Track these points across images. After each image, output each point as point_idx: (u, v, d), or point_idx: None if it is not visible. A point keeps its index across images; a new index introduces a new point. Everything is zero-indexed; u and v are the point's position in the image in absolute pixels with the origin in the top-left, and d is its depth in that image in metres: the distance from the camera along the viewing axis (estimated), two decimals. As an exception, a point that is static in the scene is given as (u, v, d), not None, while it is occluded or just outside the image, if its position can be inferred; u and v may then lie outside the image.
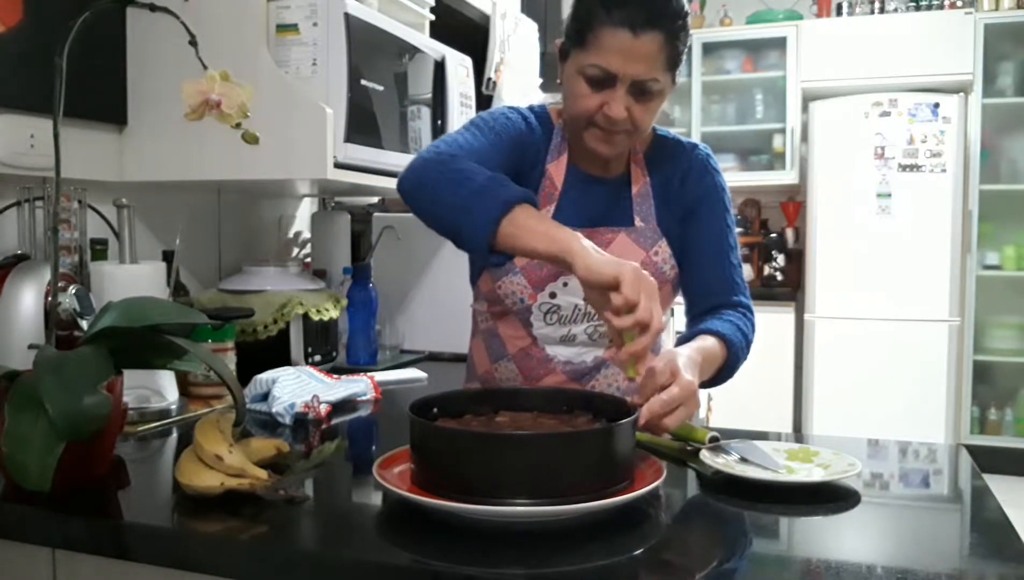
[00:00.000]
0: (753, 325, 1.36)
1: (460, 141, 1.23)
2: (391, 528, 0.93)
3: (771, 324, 3.92)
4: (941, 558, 0.87)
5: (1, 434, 0.95)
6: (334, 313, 1.83)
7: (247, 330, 1.71)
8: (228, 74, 1.13)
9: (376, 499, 1.01)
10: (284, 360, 1.73)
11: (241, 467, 0.96)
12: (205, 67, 1.12)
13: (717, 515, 0.99)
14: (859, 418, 4.24)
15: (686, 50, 1.24)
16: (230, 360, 1.58)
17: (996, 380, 4.48)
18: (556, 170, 1.34)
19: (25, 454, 0.93)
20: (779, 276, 4.75)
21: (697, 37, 4.69)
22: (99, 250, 1.51)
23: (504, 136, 1.29)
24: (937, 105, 4.24)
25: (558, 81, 1.30)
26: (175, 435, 1.33)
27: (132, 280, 1.36)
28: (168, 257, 1.59)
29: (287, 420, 1.38)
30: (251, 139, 1.16)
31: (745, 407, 3.56)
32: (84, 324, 1.26)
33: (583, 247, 1.04)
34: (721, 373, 1.30)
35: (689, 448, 1.15)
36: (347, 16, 1.54)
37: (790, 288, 4.70)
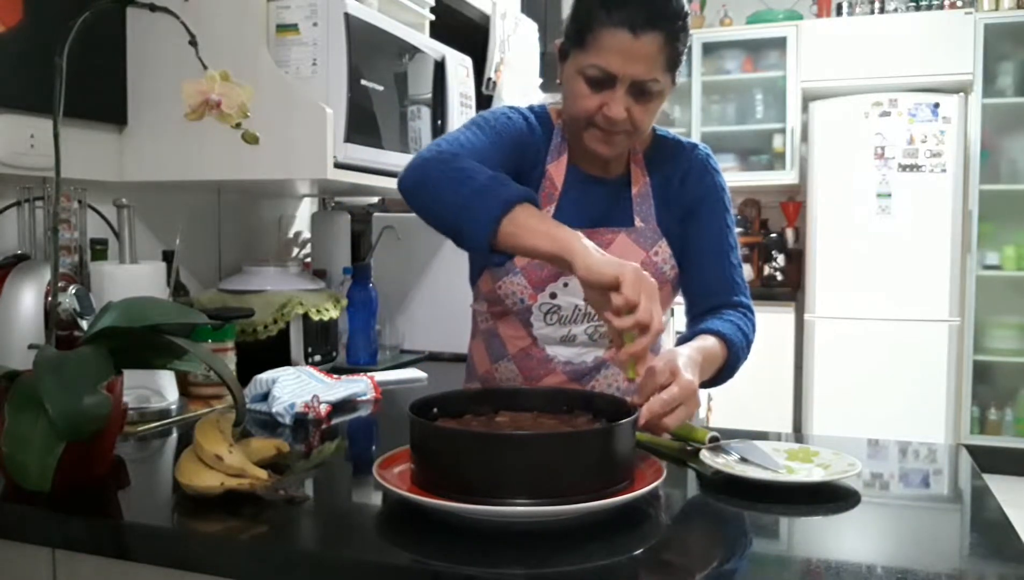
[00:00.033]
0: (753, 325, 1.36)
1: (462, 140, 1.23)
2: (391, 528, 0.93)
3: (771, 324, 3.91)
4: (941, 558, 0.87)
5: (1, 434, 0.95)
6: (334, 313, 1.83)
7: (247, 330, 1.71)
8: (228, 74, 1.13)
9: (376, 499, 1.01)
10: (284, 360, 1.73)
11: (241, 467, 0.96)
12: (205, 67, 1.12)
13: (717, 515, 0.99)
14: (859, 418, 4.24)
15: (686, 50, 1.24)
16: (230, 360, 1.58)
17: (996, 380, 4.48)
18: (556, 170, 1.34)
19: (25, 454, 0.93)
20: (779, 276, 4.75)
21: (697, 37, 4.69)
22: (99, 250, 1.51)
23: (505, 135, 1.29)
24: (937, 105, 4.24)
25: (558, 81, 1.30)
26: (175, 435, 1.33)
27: (132, 280, 1.36)
28: (168, 257, 1.59)
29: (287, 420, 1.38)
30: (251, 139, 1.16)
31: (745, 407, 3.56)
32: (84, 324, 1.26)
33: (584, 247, 1.04)
34: (721, 373, 1.30)
35: (689, 448, 1.15)
36: (347, 16, 1.54)
37: (790, 288, 4.70)
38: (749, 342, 1.33)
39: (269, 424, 1.39)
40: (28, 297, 1.27)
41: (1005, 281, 4.41)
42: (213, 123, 1.15)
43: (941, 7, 4.44)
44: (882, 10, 4.57)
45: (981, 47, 4.27)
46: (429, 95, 1.86)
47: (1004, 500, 1.02)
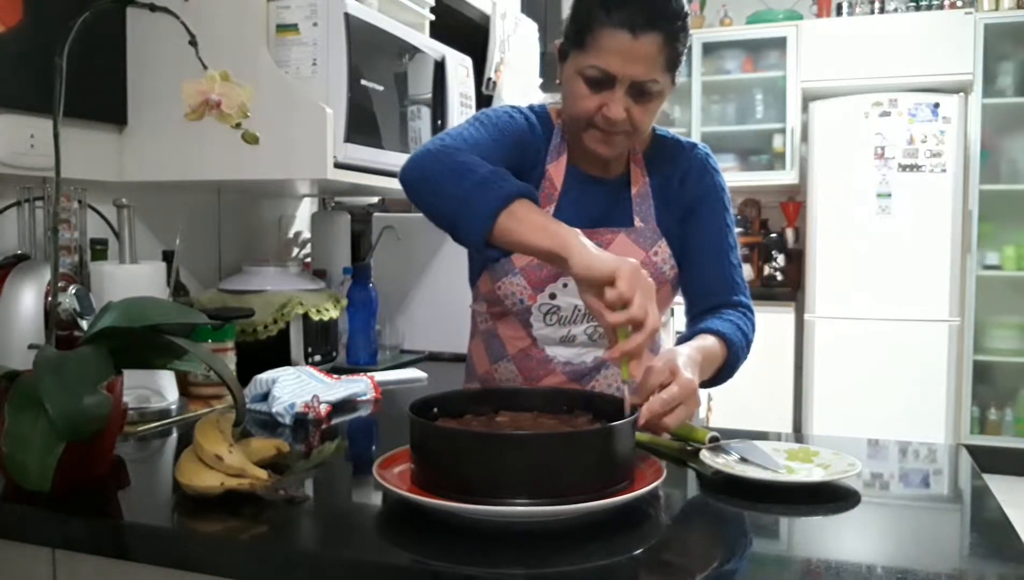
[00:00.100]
0: (753, 324, 1.36)
1: (465, 135, 1.23)
2: (391, 528, 0.93)
3: (771, 324, 3.92)
4: (941, 558, 0.87)
5: (1, 434, 0.95)
6: (334, 313, 1.83)
7: (247, 330, 1.71)
8: (228, 74, 1.13)
9: (376, 499, 1.01)
10: (284, 360, 1.73)
11: (241, 467, 0.96)
12: (205, 67, 1.12)
13: (717, 515, 0.99)
14: (859, 418, 4.24)
15: (686, 51, 1.24)
16: (230, 360, 1.58)
17: (996, 380, 4.48)
18: (556, 171, 1.34)
19: (25, 454, 0.93)
20: (779, 276, 4.75)
21: (697, 37, 4.69)
22: (99, 250, 1.51)
23: (507, 133, 1.29)
24: (937, 105, 4.24)
25: (557, 82, 1.30)
26: (175, 435, 1.33)
27: (132, 280, 1.36)
28: (168, 257, 1.59)
29: (287, 420, 1.38)
30: (251, 139, 1.16)
31: (745, 407, 3.56)
32: (84, 324, 1.26)
33: (581, 243, 1.03)
34: (721, 372, 1.30)
35: (689, 448, 1.15)
36: (347, 16, 1.54)
37: (790, 288, 4.70)
38: (749, 342, 1.33)
39: (269, 424, 1.39)
40: (28, 297, 1.27)
41: (1005, 281, 4.41)
42: (213, 123, 1.15)
43: (941, 7, 4.44)
44: (882, 10, 4.57)
45: (981, 47, 4.27)
46: (429, 95, 1.86)
47: (1004, 500, 1.02)
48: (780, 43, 4.60)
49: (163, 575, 0.90)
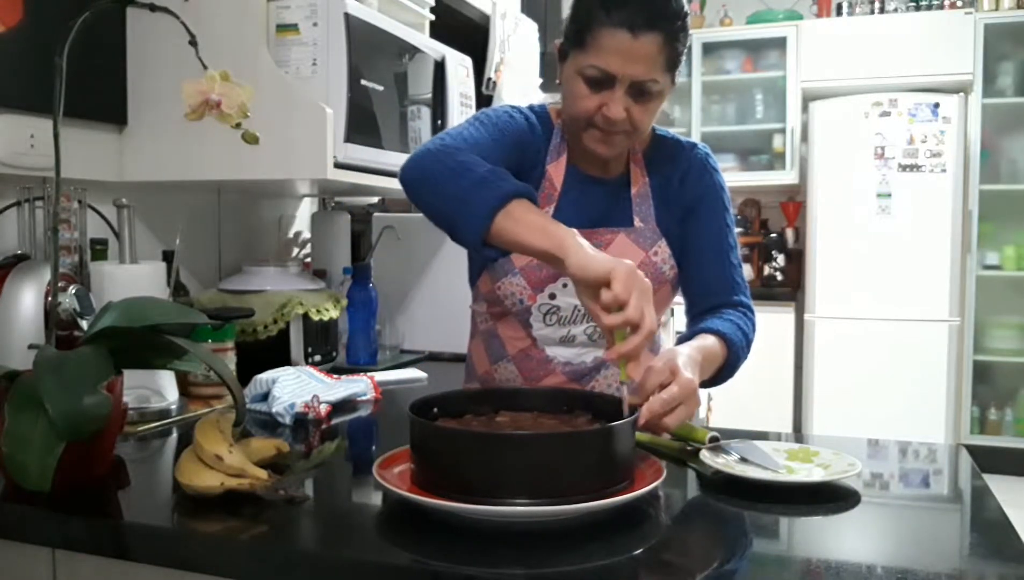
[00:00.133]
0: (754, 324, 1.36)
1: (465, 135, 1.23)
2: (391, 528, 0.93)
3: (771, 324, 3.92)
4: (941, 558, 0.87)
5: (1, 434, 0.95)
6: (334, 313, 1.83)
7: (247, 330, 1.71)
8: (228, 74, 1.13)
9: (376, 499, 1.01)
10: (284, 360, 1.73)
11: (241, 467, 0.96)
12: (205, 67, 1.12)
13: (717, 515, 0.99)
14: (859, 418, 4.24)
15: (685, 50, 1.24)
16: (230, 360, 1.58)
17: (996, 380, 4.48)
18: (555, 171, 1.34)
19: (25, 454, 0.93)
20: (779, 276, 4.75)
21: (697, 37, 4.69)
22: (99, 250, 1.51)
23: (507, 133, 1.29)
24: (937, 105, 4.24)
25: (557, 81, 1.30)
26: (175, 435, 1.33)
27: (132, 280, 1.36)
28: (168, 257, 1.59)
29: (287, 420, 1.38)
30: (251, 139, 1.16)
31: (745, 407, 3.56)
32: (84, 324, 1.26)
33: (577, 244, 1.03)
34: (721, 372, 1.30)
35: (689, 448, 1.15)
36: (347, 16, 1.54)
37: (790, 288, 4.70)
38: (749, 341, 1.33)
39: (269, 424, 1.39)
40: (28, 297, 1.27)
41: (1005, 281, 4.41)
42: (213, 123, 1.15)
43: (941, 7, 4.44)
44: (882, 10, 4.57)
45: (981, 47, 4.27)
46: (429, 95, 1.86)
47: (1004, 500, 1.02)
48: (780, 43, 4.60)
49: (163, 575, 0.90)
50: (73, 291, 1.28)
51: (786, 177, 4.64)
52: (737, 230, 1.43)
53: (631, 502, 0.90)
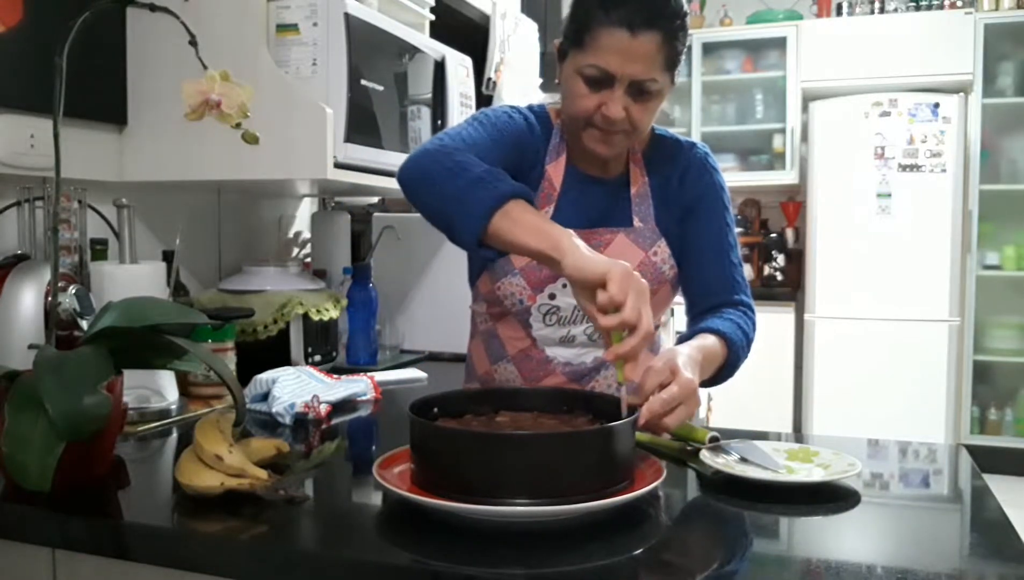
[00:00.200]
0: (754, 323, 1.36)
1: (463, 135, 1.23)
2: (391, 528, 0.93)
3: (771, 324, 3.92)
4: (941, 558, 0.87)
5: (1, 434, 0.95)
6: (334, 313, 1.83)
7: (247, 330, 1.71)
8: (228, 74, 1.13)
9: (376, 499, 1.01)
10: (284, 360, 1.73)
11: (241, 467, 0.96)
12: (205, 67, 1.12)
13: (717, 515, 0.99)
14: (859, 418, 4.24)
15: (685, 50, 1.24)
16: (230, 360, 1.58)
17: (996, 380, 4.48)
18: (555, 171, 1.34)
19: (25, 454, 0.93)
20: (779, 276, 4.75)
21: (697, 37, 4.69)
22: (99, 250, 1.51)
23: (506, 134, 1.29)
24: (937, 105, 4.24)
25: (556, 81, 1.30)
26: (175, 435, 1.33)
27: (132, 280, 1.36)
28: (168, 257, 1.59)
29: (287, 420, 1.38)
30: (251, 139, 1.16)
31: (745, 407, 3.56)
32: (84, 324, 1.26)
33: (573, 245, 1.03)
34: (722, 372, 1.30)
35: (689, 448, 1.15)
36: (347, 16, 1.54)
37: (790, 288, 4.70)
38: (749, 341, 1.33)
39: (269, 424, 1.39)
40: (28, 297, 1.27)
41: (1005, 281, 4.41)
42: (213, 123, 1.15)
43: (941, 7, 4.44)
44: (882, 10, 4.57)
45: (981, 47, 4.27)
46: (429, 95, 1.86)
47: (1004, 500, 1.02)
48: (780, 43, 4.60)
49: (163, 575, 0.90)
50: (73, 291, 1.28)
51: (786, 177, 4.65)
52: (737, 230, 1.43)
53: (631, 502, 0.90)
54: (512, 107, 1.36)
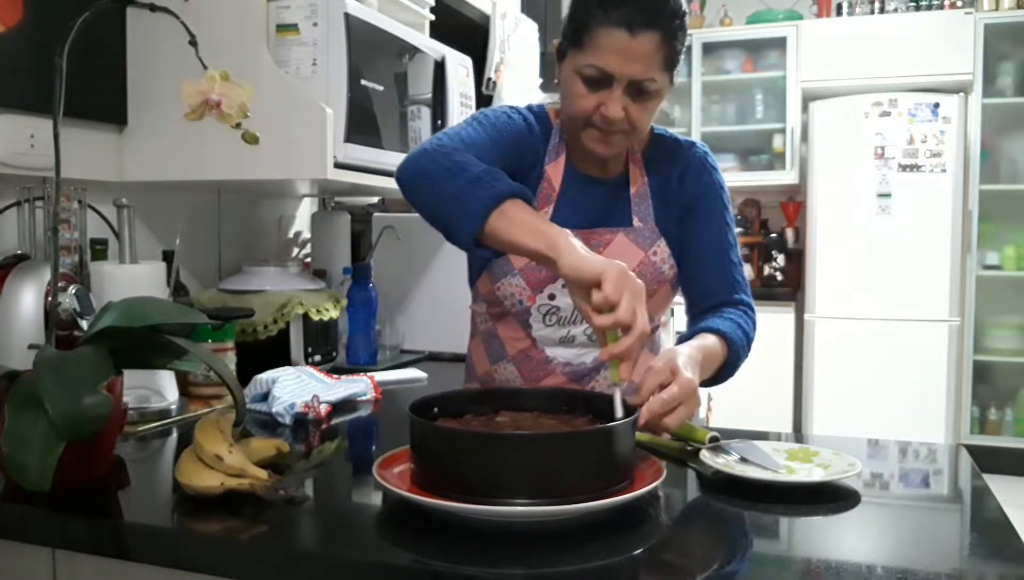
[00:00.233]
0: (754, 323, 1.36)
1: (463, 135, 1.23)
2: (391, 528, 0.93)
3: (771, 324, 3.91)
4: (941, 558, 0.87)
5: (1, 434, 0.95)
6: (334, 313, 1.83)
7: (247, 330, 1.71)
8: (228, 74, 1.13)
9: (376, 499, 1.01)
10: (284, 360, 1.73)
11: (241, 467, 0.96)
12: (205, 67, 1.12)
13: (717, 515, 0.99)
14: (859, 418, 4.24)
15: (684, 50, 1.24)
16: (230, 360, 1.58)
17: (996, 380, 4.48)
18: (554, 171, 1.34)
19: (25, 454, 0.93)
20: (779, 276, 4.75)
21: (697, 37, 4.69)
22: (99, 250, 1.51)
23: (506, 134, 1.29)
24: (937, 105, 4.24)
25: (556, 81, 1.30)
26: (175, 435, 1.33)
27: (132, 280, 1.36)
28: (168, 257, 1.59)
29: (287, 420, 1.38)
30: (251, 139, 1.16)
31: (745, 407, 3.56)
32: (84, 324, 1.26)
33: (570, 244, 1.02)
34: (722, 371, 1.30)
35: (689, 448, 1.15)
36: (347, 16, 1.54)
37: (790, 288, 4.70)
38: (750, 340, 1.33)
39: (269, 424, 1.39)
40: (28, 297, 1.27)
41: (1005, 281, 4.41)
42: (213, 123, 1.15)
43: (941, 7, 4.44)
44: (882, 10, 4.57)
45: (981, 47, 4.27)
46: (429, 95, 1.86)
47: (1004, 500, 1.02)
48: (780, 43, 4.60)
49: (163, 575, 0.90)
50: (73, 291, 1.28)
51: (786, 177, 4.65)
52: (737, 230, 1.43)
53: (631, 502, 0.90)
54: (511, 107, 1.36)
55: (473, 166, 1.12)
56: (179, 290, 1.65)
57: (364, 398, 1.56)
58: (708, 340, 1.26)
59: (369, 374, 1.67)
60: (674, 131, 1.43)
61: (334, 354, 1.90)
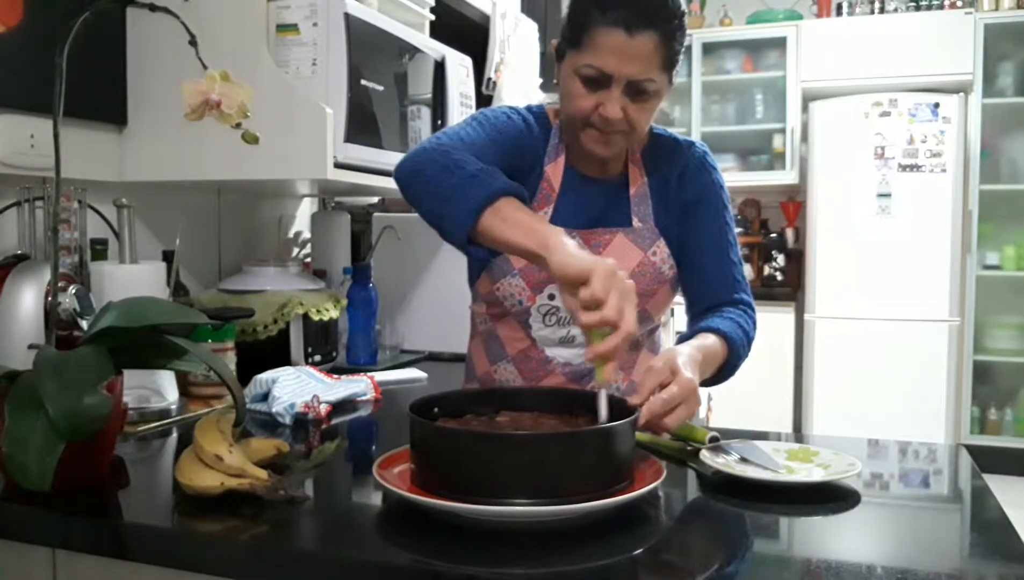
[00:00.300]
0: (754, 322, 1.36)
1: (461, 135, 1.23)
2: (391, 528, 0.93)
3: (771, 324, 3.91)
4: (941, 558, 0.87)
5: (1, 434, 0.95)
6: (334, 313, 1.83)
7: (247, 330, 1.71)
8: (228, 74, 1.13)
9: (376, 499, 1.01)
10: (284, 360, 1.73)
11: (241, 467, 0.96)
12: (205, 67, 1.12)
13: (717, 515, 0.99)
14: (859, 418, 4.24)
15: (683, 50, 1.23)
16: (230, 360, 1.58)
17: (996, 380, 4.48)
18: (554, 171, 1.34)
19: (25, 454, 0.93)
20: (779, 276, 4.75)
21: (697, 37, 4.69)
22: (99, 250, 1.51)
23: (504, 133, 1.29)
24: (937, 105, 4.24)
25: (555, 81, 1.30)
26: (175, 435, 1.33)
27: (132, 280, 1.36)
28: (168, 257, 1.59)
29: (287, 420, 1.38)
30: (251, 139, 1.16)
31: (745, 407, 3.56)
32: (84, 324, 1.26)
33: (561, 243, 1.02)
34: (722, 371, 1.30)
35: (689, 448, 1.15)
36: (347, 16, 1.54)
37: (790, 288, 4.70)
38: (750, 340, 1.33)
39: (269, 424, 1.39)
40: (28, 297, 1.27)
41: (1005, 281, 4.41)
42: (213, 123, 1.15)
43: (941, 7, 4.44)
44: (882, 10, 4.57)
45: (981, 47, 4.27)
46: (429, 95, 1.86)
47: (1004, 500, 1.02)
48: (780, 43, 4.60)
49: (163, 575, 0.90)
50: (73, 291, 1.28)
51: (786, 177, 4.64)
52: (737, 230, 1.43)
53: (631, 502, 0.90)
54: (511, 108, 1.36)
55: (469, 164, 1.12)
56: (179, 290, 1.65)
57: (364, 398, 1.56)
58: (708, 340, 1.26)
59: (369, 374, 1.67)
60: (674, 131, 1.43)
61: (334, 354, 1.90)
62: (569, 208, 1.33)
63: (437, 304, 2.13)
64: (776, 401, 4.43)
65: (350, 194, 2.33)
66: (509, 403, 1.09)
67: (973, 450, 1.31)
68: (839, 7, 4.68)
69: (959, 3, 4.40)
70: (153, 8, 1.14)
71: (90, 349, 1.01)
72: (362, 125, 1.60)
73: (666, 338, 2.65)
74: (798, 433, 4.19)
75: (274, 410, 1.39)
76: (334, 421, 1.43)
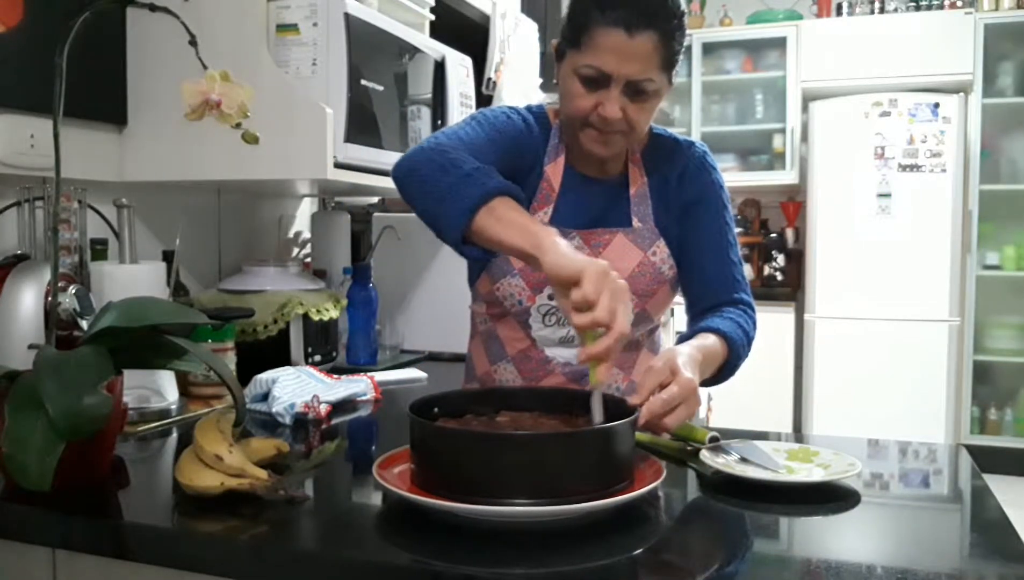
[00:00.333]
0: (754, 322, 1.36)
1: (460, 134, 1.23)
2: (391, 528, 0.93)
3: (771, 324, 3.91)
4: (941, 558, 0.87)
5: (1, 434, 0.95)
6: (334, 313, 1.83)
7: (247, 330, 1.71)
8: (228, 74, 1.13)
9: (376, 499, 1.01)
10: (284, 360, 1.73)
11: (241, 467, 0.96)
12: (205, 67, 1.12)
13: (717, 515, 0.99)
14: (859, 418, 4.24)
15: (683, 50, 1.23)
16: (230, 360, 1.58)
17: (996, 380, 4.48)
18: (553, 172, 1.34)
19: (25, 454, 0.93)
20: (779, 276, 4.75)
21: (697, 37, 4.69)
22: (99, 250, 1.51)
23: (504, 133, 1.29)
24: (937, 105, 4.24)
25: (554, 81, 1.30)
26: (175, 435, 1.33)
27: (132, 280, 1.36)
28: (168, 257, 1.59)
29: (287, 420, 1.38)
30: (251, 139, 1.16)
31: (745, 407, 3.56)
32: (84, 324, 1.26)
33: (554, 243, 1.01)
34: (722, 371, 1.30)
35: (689, 448, 1.15)
36: (347, 16, 1.54)
37: (790, 288, 4.70)
38: (750, 339, 1.33)
39: (269, 424, 1.39)
40: (28, 297, 1.27)
41: (1005, 281, 4.41)
42: (213, 123, 1.15)
43: (941, 7, 4.44)
44: (882, 10, 4.57)
45: (981, 47, 4.27)
46: (429, 95, 1.86)
47: (1004, 500, 1.02)
48: (780, 43, 4.60)
49: (163, 575, 0.90)
50: (73, 291, 1.28)
51: (786, 177, 4.64)
52: (737, 230, 1.43)
53: (631, 502, 0.90)
54: (511, 107, 1.36)
55: (465, 164, 1.12)
56: (179, 290, 1.65)
57: (364, 398, 1.56)
58: (708, 340, 1.26)
59: (369, 374, 1.67)
60: (674, 131, 1.43)
61: (334, 354, 1.90)
62: (569, 208, 1.33)
63: (437, 304, 2.13)
64: (776, 401, 4.43)
65: (350, 194, 2.33)
66: (509, 403, 1.09)
67: (973, 450, 1.31)
68: (839, 7, 4.68)
69: (959, 3, 4.40)
70: (153, 8, 1.14)
71: (90, 349, 1.01)
72: (362, 125, 1.61)
73: (666, 338, 2.65)
74: (798, 433, 4.19)
75: (274, 410, 1.39)
76: (334, 421, 1.43)
